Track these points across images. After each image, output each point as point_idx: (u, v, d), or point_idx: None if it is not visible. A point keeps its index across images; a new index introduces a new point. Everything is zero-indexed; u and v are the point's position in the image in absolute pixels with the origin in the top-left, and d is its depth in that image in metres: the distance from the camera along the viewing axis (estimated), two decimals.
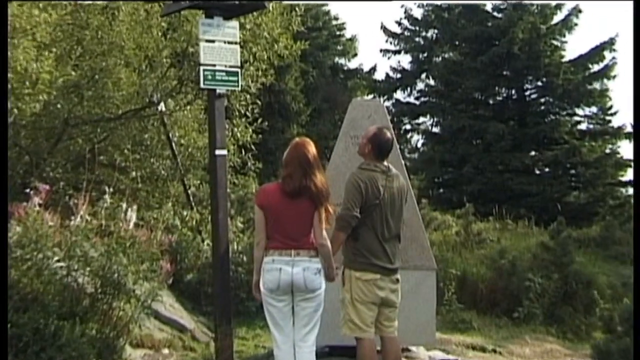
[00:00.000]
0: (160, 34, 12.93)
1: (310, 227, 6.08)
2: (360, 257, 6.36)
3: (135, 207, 9.38)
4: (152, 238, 8.75)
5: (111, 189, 9.68)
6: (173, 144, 13.39)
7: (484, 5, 30.39)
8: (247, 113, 14.30)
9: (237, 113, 14.05)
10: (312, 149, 6.19)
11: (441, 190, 29.22)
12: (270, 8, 12.57)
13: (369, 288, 6.34)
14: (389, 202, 6.41)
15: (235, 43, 8.11)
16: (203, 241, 11.86)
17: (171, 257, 9.89)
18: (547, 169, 28.10)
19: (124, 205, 9.04)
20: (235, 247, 11.60)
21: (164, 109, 13.10)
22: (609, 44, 27.85)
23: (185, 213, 12.89)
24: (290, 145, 6.27)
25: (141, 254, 7.69)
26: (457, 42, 31.28)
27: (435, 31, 33.19)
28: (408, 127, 33.82)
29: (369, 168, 6.48)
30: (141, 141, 13.71)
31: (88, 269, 7.39)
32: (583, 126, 28.93)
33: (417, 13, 33.50)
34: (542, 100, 29.30)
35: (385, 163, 6.55)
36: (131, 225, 8.77)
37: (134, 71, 13.14)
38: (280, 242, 6.07)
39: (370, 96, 33.51)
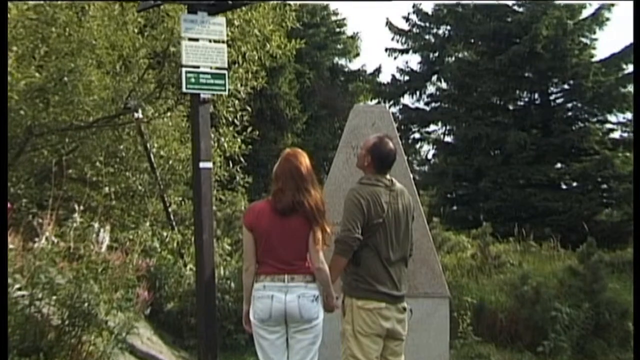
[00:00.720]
0: (136, 31, 12.96)
1: (306, 249, 6.04)
2: (363, 284, 6.33)
3: (108, 227, 9.36)
4: (127, 262, 8.72)
5: (81, 207, 9.65)
6: (151, 156, 13.39)
7: None
8: (236, 121, 14.29)
9: (224, 121, 14.03)
10: (305, 160, 6.21)
11: (455, 208, 29.22)
12: (262, 2, 12.60)
13: (372, 318, 6.31)
14: (393, 221, 6.39)
15: (222, 42, 8.14)
16: (185, 266, 11.83)
17: (149, 284, 9.85)
18: (575, 184, 28.07)
19: (96, 225, 9.02)
20: (222, 272, 11.57)
21: (141, 116, 13.10)
22: None
23: (165, 234, 12.87)
24: (281, 157, 6.28)
25: (115, 280, 7.67)
26: (472, 40, 31.35)
27: (448, 28, 33.27)
28: (417, 136, 33.83)
29: (370, 182, 6.46)
30: (115, 152, 13.70)
31: (54, 297, 7.36)
32: (616, 135, 28.90)
33: (427, 7, 33.63)
34: (569, 105, 29.32)
35: (388, 177, 6.55)
36: (104, 247, 8.75)
37: (107, 73, 13.15)
38: (272, 266, 6.04)
39: (375, 101, 33.55)
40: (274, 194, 6.11)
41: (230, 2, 8.24)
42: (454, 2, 31.52)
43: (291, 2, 14.07)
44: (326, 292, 6.15)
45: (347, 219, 6.30)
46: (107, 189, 13.02)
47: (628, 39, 33.34)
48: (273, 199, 6.10)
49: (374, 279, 6.31)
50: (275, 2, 13.60)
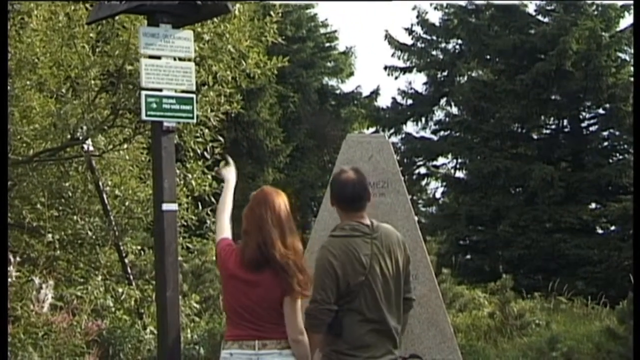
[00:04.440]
0: (87, 46, 12.99)
1: (280, 312, 5.92)
2: (350, 356, 6.07)
3: (51, 282, 9.36)
4: (74, 325, 8.71)
5: (18, 258, 9.66)
6: (104, 196, 13.38)
7: (525, 6, 30.73)
8: (206, 153, 14.27)
9: (191, 154, 14.03)
10: (280, 201, 6.07)
11: (468, 257, 29.26)
12: (237, 12, 12.65)
13: None
14: (380, 276, 6.11)
15: (189, 60, 8.17)
16: (145, 328, 11.79)
17: (101, 351, 9.83)
18: (613, 228, 28.18)
19: (36, 280, 9.02)
20: (189, 336, 11.55)
21: (91, 148, 13.11)
22: None
23: (120, 290, 12.83)
24: (251, 198, 6.20)
25: (59, 347, 7.65)
26: (488, 57, 31.56)
27: (459, 42, 33.58)
28: (423, 170, 34.05)
29: (343, 234, 6.18)
30: (60, 192, 13.69)
31: None
32: None
33: (434, 17, 33.97)
34: (605, 133, 29.53)
35: (367, 219, 6.26)
36: (46, 307, 8.73)
37: (51, 97, 13.16)
38: (239, 328, 5.94)
39: (372, 130, 33.74)
40: (242, 239, 6.03)
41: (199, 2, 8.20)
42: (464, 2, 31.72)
43: (272, 10, 14.13)
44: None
45: (316, 286, 6.02)
46: (50, 236, 12.99)
47: None
48: (241, 248, 6.04)
49: (359, 350, 6.09)
50: (253, 11, 13.67)
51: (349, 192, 6.24)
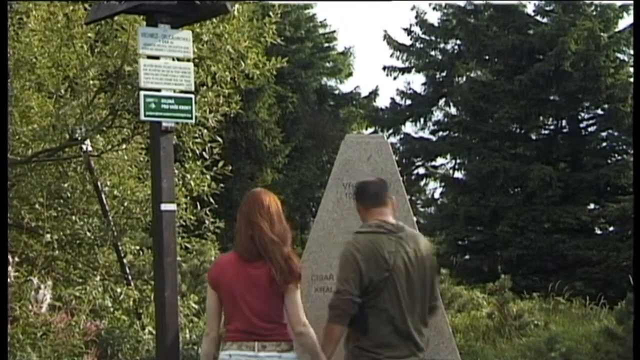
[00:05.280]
0: (85, 47, 12.98)
1: (279, 305, 5.93)
2: (372, 353, 6.15)
3: (50, 282, 9.36)
4: (73, 325, 8.70)
5: (16, 258, 9.66)
6: (103, 196, 13.37)
7: (524, 6, 30.75)
8: (204, 154, 14.28)
9: (190, 154, 14.04)
10: (268, 197, 6.12)
11: (467, 257, 29.28)
12: (236, 12, 12.65)
13: None
14: (404, 274, 6.19)
15: (188, 60, 8.17)
16: (144, 328, 11.78)
17: (99, 351, 9.82)
18: (611, 228, 28.20)
19: (35, 280, 9.01)
20: (188, 336, 11.54)
21: (90, 148, 13.10)
22: None
23: (119, 290, 12.83)
24: (242, 201, 6.26)
25: (58, 347, 7.65)
26: (487, 57, 31.59)
27: (458, 42, 33.60)
28: (422, 171, 34.08)
29: (367, 230, 6.32)
30: (59, 192, 13.69)
31: None
32: None
33: (433, 18, 33.99)
34: (604, 134, 29.54)
35: (393, 220, 6.38)
36: (44, 307, 8.73)
37: (50, 97, 13.16)
38: (239, 330, 5.93)
39: (370, 130, 33.75)
40: (234, 238, 6.09)
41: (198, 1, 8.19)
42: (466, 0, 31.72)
43: (271, 11, 14.12)
44: (313, 357, 5.99)
45: (340, 279, 6.16)
46: (48, 236, 12.98)
47: None
48: (234, 246, 6.09)
49: (381, 348, 6.15)
50: (252, 11, 13.66)
51: (371, 189, 6.48)
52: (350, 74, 37.96)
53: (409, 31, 34.18)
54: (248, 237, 5.97)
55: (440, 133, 33.41)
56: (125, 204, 13.75)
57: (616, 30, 29.42)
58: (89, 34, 12.85)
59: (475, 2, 31.70)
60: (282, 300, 5.91)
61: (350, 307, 6.06)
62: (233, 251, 6.15)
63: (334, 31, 38.11)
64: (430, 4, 33.58)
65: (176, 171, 12.20)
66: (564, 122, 30.20)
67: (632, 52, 29.33)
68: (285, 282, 5.85)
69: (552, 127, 30.62)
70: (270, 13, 13.85)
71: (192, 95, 8.20)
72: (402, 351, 6.20)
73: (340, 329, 6.12)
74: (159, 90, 7.90)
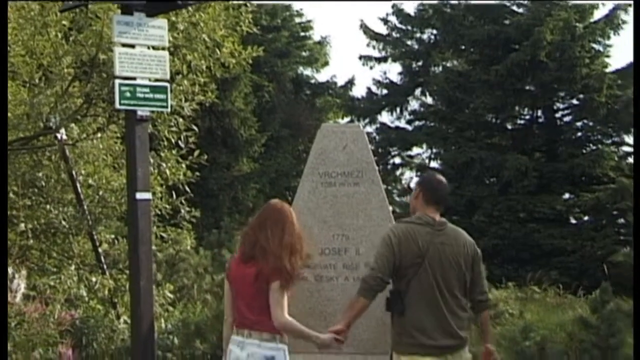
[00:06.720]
0: (59, 35, 12.93)
1: (264, 301, 6.36)
2: (406, 337, 6.62)
3: (24, 271, 9.33)
4: (47, 314, 8.68)
5: None
6: (78, 185, 13.34)
7: None
8: (180, 143, 14.26)
9: (165, 143, 14.01)
10: (286, 208, 6.59)
11: None
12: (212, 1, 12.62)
13: None
14: (438, 263, 6.62)
15: (163, 49, 8.14)
16: (118, 318, 11.77)
17: (74, 341, 9.80)
18: (586, 218, 28.32)
19: (9, 270, 8.96)
20: (163, 325, 11.53)
21: (65, 137, 13.06)
22: None
23: (94, 279, 12.81)
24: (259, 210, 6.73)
25: (32, 336, 7.62)
26: (463, 47, 31.63)
27: (434, 32, 33.57)
28: (398, 160, 34.06)
29: (408, 220, 6.86)
30: (33, 181, 13.64)
31: None
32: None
33: (410, 8, 34.04)
34: (579, 124, 29.64)
35: (436, 216, 6.80)
36: (18, 297, 8.70)
37: (24, 86, 13.11)
38: (237, 318, 6.53)
39: (346, 119, 33.73)
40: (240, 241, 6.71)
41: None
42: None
43: (247, 3, 14.09)
44: (301, 337, 6.56)
45: (375, 258, 6.65)
46: (23, 225, 12.95)
47: None
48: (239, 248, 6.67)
49: (418, 331, 6.59)
50: (227, 3, 13.62)
51: (442, 192, 6.95)
52: (326, 63, 37.94)
53: (385, 21, 34.15)
54: (252, 242, 6.47)
55: (416, 123, 33.39)
56: (100, 192, 13.73)
57: (591, 20, 29.48)
58: (64, 22, 12.81)
59: None
60: (262, 294, 6.38)
61: (377, 284, 6.56)
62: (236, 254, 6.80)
63: (310, 20, 38.09)
64: None
65: (151, 160, 12.18)
66: (539, 112, 30.26)
67: (608, 42, 29.49)
68: (267, 281, 6.32)
69: (527, 117, 30.68)
70: (247, 2, 13.83)
71: (168, 84, 8.18)
72: (439, 334, 6.67)
73: (364, 301, 6.63)
74: (134, 78, 7.87)
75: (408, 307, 6.59)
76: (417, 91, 33.90)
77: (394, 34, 34.34)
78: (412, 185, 33.84)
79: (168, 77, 8.18)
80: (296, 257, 6.45)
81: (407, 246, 6.57)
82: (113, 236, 14.32)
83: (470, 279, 6.79)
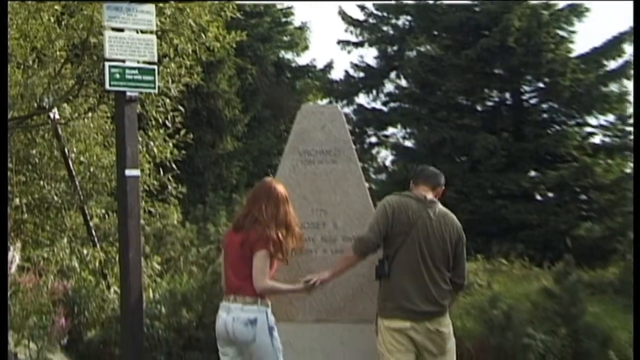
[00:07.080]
0: (52, 19, 12.86)
1: (248, 267, 6.52)
2: (390, 301, 6.90)
3: (19, 244, 9.30)
4: (41, 285, 8.65)
5: None
6: (70, 162, 13.29)
7: None
8: (167, 122, 14.23)
9: (153, 122, 13.97)
10: (280, 187, 6.87)
11: None
12: None
13: (398, 338, 6.87)
14: (424, 235, 6.94)
15: (151, 32, 8.11)
16: (109, 288, 11.76)
17: (66, 310, 9.78)
18: (550, 194, 28.37)
19: None
20: (151, 295, 11.51)
21: (57, 116, 13.00)
22: (631, 34, 27.75)
23: (85, 251, 12.79)
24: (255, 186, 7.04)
25: (26, 305, 7.61)
26: (436, 32, 31.58)
27: (409, 18, 33.50)
28: (374, 140, 34.04)
29: (402, 194, 7.23)
30: (27, 158, 13.59)
31: None
32: (597, 139, 29.24)
33: None
34: (544, 106, 29.64)
35: (428, 195, 7.13)
36: (13, 268, 8.68)
37: (18, 67, 13.03)
38: (226, 283, 6.75)
39: (325, 101, 33.67)
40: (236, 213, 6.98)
41: None
42: None
43: None
44: (283, 293, 6.98)
45: (371, 223, 7.06)
46: (17, 200, 12.91)
47: (610, 31, 33.75)
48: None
49: (400, 295, 6.87)
50: None
51: (426, 171, 7.40)
52: (306, 48, 37.85)
53: (362, 7, 34.07)
54: (244, 213, 6.75)
55: (392, 104, 33.31)
56: (92, 169, 13.71)
57: (557, 8, 29.46)
58: (56, 7, 12.76)
59: None
60: (248, 261, 6.57)
61: (369, 244, 7.00)
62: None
63: (291, 7, 37.93)
64: None
65: (140, 138, 12.17)
66: (507, 95, 30.23)
67: (573, 29, 29.49)
68: (251, 249, 6.52)
69: (496, 99, 30.64)
70: None
71: (155, 66, 8.16)
72: (418, 298, 6.90)
73: (355, 257, 7.07)
74: (123, 61, 7.86)
75: (393, 272, 6.86)
76: (392, 74, 33.82)
77: (370, 20, 34.25)
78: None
79: (156, 59, 8.17)
80: (287, 233, 6.65)
81: (399, 215, 6.94)
82: (103, 211, 14.31)
83: (452, 257, 7.06)
